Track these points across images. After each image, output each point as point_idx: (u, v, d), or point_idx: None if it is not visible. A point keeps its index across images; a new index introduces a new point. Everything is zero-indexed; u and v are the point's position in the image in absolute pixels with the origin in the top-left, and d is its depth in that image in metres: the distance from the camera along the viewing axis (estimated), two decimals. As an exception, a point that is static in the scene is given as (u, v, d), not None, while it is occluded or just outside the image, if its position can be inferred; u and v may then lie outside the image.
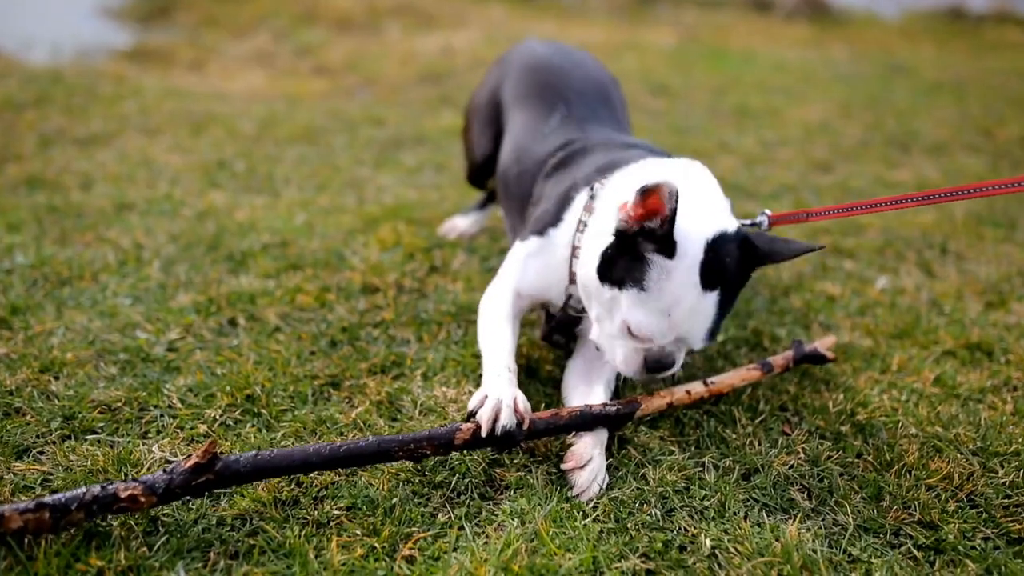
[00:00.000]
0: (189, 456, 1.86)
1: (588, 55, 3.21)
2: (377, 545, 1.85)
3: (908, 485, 2.16)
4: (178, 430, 2.22)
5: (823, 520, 2.05)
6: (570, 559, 1.83)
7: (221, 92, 6.25)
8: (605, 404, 2.23)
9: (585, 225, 2.36)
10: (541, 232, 2.49)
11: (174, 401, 2.32)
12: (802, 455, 2.26)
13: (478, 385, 2.49)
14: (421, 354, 2.64)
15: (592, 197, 2.39)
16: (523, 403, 2.14)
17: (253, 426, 2.26)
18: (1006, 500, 2.15)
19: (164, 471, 1.84)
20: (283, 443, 2.20)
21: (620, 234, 2.14)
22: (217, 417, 2.27)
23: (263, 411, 2.32)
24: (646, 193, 2.02)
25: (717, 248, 2.12)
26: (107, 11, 9.33)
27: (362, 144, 4.76)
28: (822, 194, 4.34)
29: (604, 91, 3.03)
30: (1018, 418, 2.51)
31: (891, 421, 2.44)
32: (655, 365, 2.20)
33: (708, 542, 1.92)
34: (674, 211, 2.01)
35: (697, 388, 2.40)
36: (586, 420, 2.19)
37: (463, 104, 6.02)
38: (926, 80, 7.77)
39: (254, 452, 1.92)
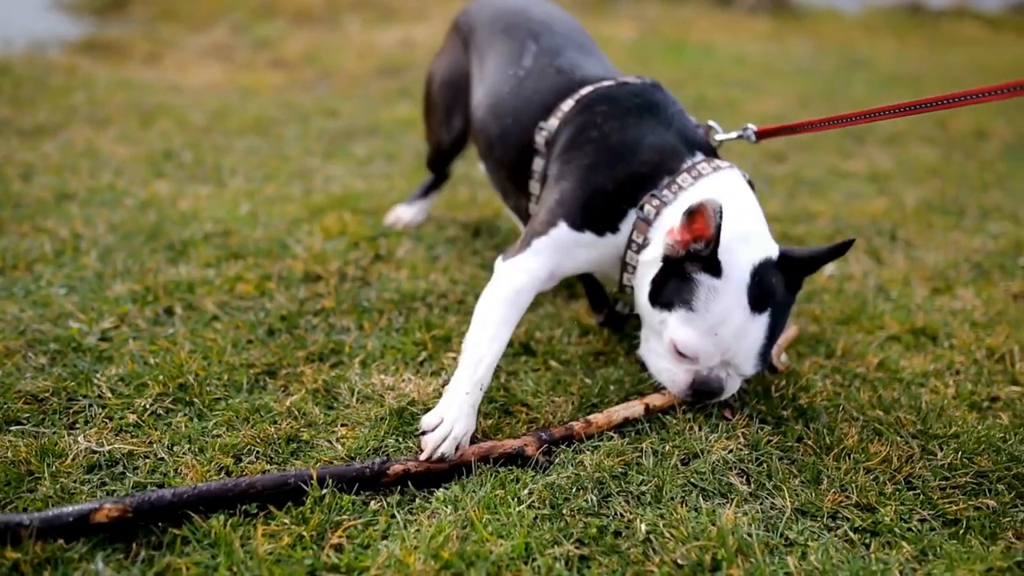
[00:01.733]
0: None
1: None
2: (305, 534, 1.81)
3: (847, 468, 2.15)
4: (107, 420, 2.17)
5: (761, 504, 2.03)
6: (502, 545, 1.80)
7: (175, 85, 6.17)
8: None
9: (639, 245, 2.37)
10: (598, 231, 2.41)
11: (104, 391, 2.26)
12: (742, 440, 2.24)
13: (417, 373, 2.47)
14: (361, 342, 2.60)
15: (644, 220, 2.36)
16: (466, 440, 2.08)
17: (185, 415, 2.21)
18: (943, 482, 2.15)
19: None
20: (215, 432, 2.15)
21: (668, 259, 2.23)
22: (148, 407, 2.22)
23: (196, 400, 2.27)
24: (692, 216, 2.11)
25: (763, 271, 2.19)
26: (62, 4, 9.19)
27: (314, 135, 4.70)
28: (775, 184, 4.35)
29: (570, 23, 2.96)
30: (959, 401, 2.51)
31: (833, 405, 2.43)
32: (703, 387, 2.26)
33: (643, 527, 1.90)
34: (719, 228, 2.08)
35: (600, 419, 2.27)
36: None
37: (421, 96, 6.01)
38: (884, 73, 7.82)
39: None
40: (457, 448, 2.05)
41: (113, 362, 2.41)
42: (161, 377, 2.32)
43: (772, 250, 2.26)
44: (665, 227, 2.29)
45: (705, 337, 2.19)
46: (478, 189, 3.87)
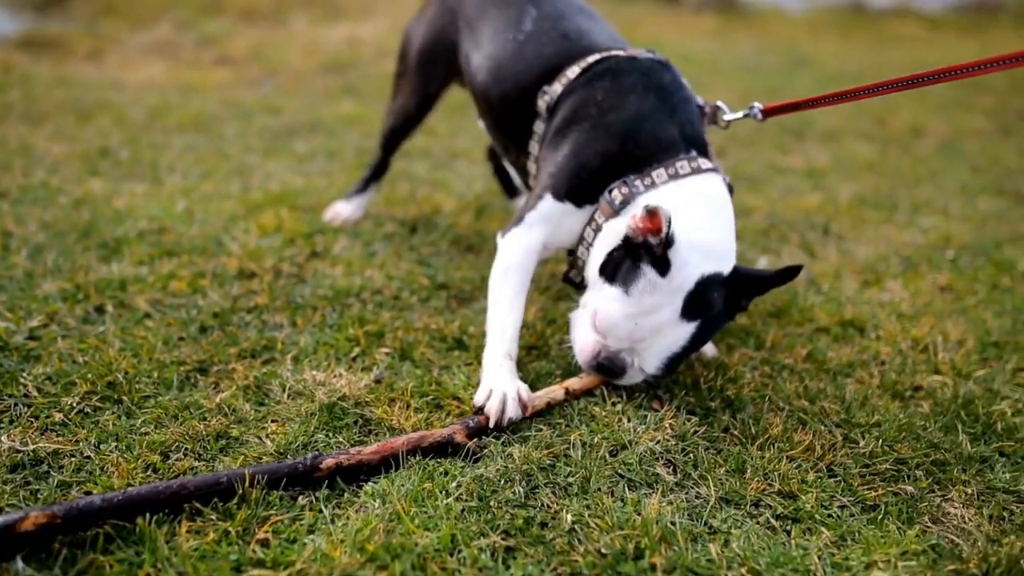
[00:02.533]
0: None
1: None
2: (231, 529, 1.80)
3: (771, 457, 2.20)
4: (32, 419, 2.14)
5: (686, 493, 2.07)
6: (428, 537, 1.81)
7: (117, 82, 6.09)
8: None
9: (598, 224, 2.47)
10: (578, 203, 2.50)
11: (30, 390, 2.24)
12: (670, 431, 2.27)
13: (349, 368, 2.47)
14: (294, 338, 2.60)
15: (608, 203, 2.45)
16: (526, 393, 2.26)
17: (113, 413, 2.20)
18: (864, 469, 2.20)
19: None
20: (143, 430, 2.14)
21: (627, 240, 2.28)
22: (75, 405, 2.20)
23: (124, 398, 2.25)
24: (650, 214, 2.17)
25: (708, 285, 2.27)
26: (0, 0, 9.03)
27: (255, 132, 4.67)
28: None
29: None
30: (882, 391, 2.57)
31: (760, 396, 2.48)
32: (604, 363, 2.34)
33: (569, 518, 1.92)
34: (668, 236, 2.18)
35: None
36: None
37: (366, 92, 6.00)
38: (827, 71, 7.94)
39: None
40: (523, 407, 2.24)
41: (41, 361, 2.38)
42: (89, 375, 2.31)
43: (726, 266, 2.32)
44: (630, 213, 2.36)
45: (623, 321, 2.27)
46: (417, 185, 3.87)
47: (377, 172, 3.51)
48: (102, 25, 8.16)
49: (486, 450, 2.16)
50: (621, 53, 2.60)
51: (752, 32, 10.17)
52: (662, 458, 2.18)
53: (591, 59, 2.60)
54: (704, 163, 2.44)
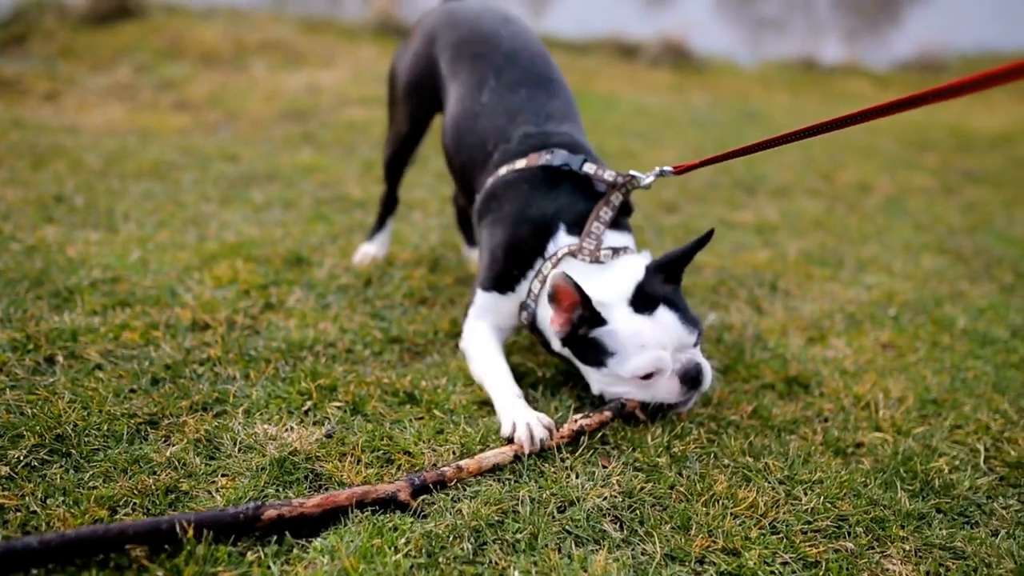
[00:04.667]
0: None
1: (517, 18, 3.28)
2: (178, 586, 1.81)
3: (715, 514, 2.24)
4: (-22, 473, 2.13)
5: (632, 550, 2.10)
6: (375, 595, 1.82)
7: (73, 125, 6.08)
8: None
9: (536, 296, 2.75)
10: (502, 291, 2.83)
11: (-24, 443, 2.22)
12: (617, 487, 2.31)
13: (301, 422, 2.48)
14: (246, 391, 2.60)
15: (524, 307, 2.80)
16: (547, 420, 2.48)
17: (61, 467, 2.19)
18: (806, 526, 2.25)
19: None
20: (91, 483, 2.14)
21: (566, 339, 2.63)
22: (22, 458, 2.19)
23: (73, 451, 2.25)
24: (555, 298, 2.54)
25: (639, 290, 2.60)
26: (-44, 39, 8.96)
27: (212, 180, 4.68)
28: (664, 234, 4.48)
29: (534, 51, 3.13)
30: (825, 448, 2.63)
31: (705, 452, 2.52)
32: (688, 374, 2.60)
33: (517, 574, 1.95)
34: (580, 291, 2.47)
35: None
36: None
37: (325, 141, 6.04)
38: (777, 126, 8.12)
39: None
40: (551, 433, 2.46)
41: (-12, 413, 2.37)
42: (38, 428, 2.30)
43: (638, 271, 2.64)
44: (544, 313, 2.69)
45: (644, 354, 2.54)
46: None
47: (388, 206, 3.72)
48: (60, 66, 8.13)
49: (435, 505, 2.18)
50: (523, 164, 2.83)
51: (706, 86, 10.39)
52: (609, 514, 2.22)
53: (500, 173, 2.85)
54: (561, 251, 2.71)
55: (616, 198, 2.76)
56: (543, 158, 2.80)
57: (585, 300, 2.50)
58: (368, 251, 3.68)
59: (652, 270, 2.64)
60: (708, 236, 2.68)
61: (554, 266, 2.67)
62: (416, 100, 3.32)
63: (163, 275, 3.28)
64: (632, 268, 2.66)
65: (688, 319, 2.62)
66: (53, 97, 7.14)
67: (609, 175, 2.77)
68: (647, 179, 2.74)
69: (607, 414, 2.60)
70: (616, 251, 2.70)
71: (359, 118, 6.83)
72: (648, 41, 11.39)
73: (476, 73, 3.03)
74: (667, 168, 2.73)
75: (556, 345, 2.69)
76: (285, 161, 5.24)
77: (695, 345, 2.64)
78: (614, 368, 2.58)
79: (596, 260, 2.67)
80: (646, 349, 2.54)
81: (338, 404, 2.58)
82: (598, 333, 2.57)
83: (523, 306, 2.77)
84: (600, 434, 2.55)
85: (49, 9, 9.58)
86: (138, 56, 8.62)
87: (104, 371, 2.64)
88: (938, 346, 3.38)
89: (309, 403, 2.57)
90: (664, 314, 2.58)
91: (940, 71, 12.10)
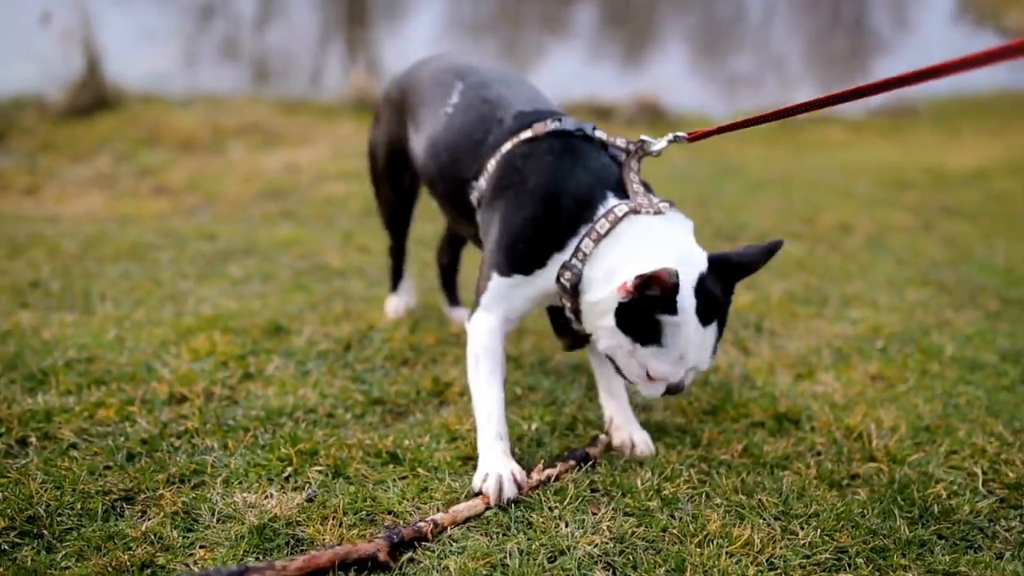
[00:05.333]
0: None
1: None
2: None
3: (710, 553, 2.18)
4: (-53, 559, 2.06)
5: (626, 596, 2.04)
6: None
7: (53, 215, 6.08)
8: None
9: (570, 288, 2.54)
10: (527, 272, 2.61)
11: (-55, 529, 2.16)
12: (608, 533, 2.25)
13: (281, 489, 2.42)
14: (224, 460, 2.54)
15: (570, 269, 2.54)
16: (520, 474, 2.41)
17: (32, 548, 2.12)
18: (804, 560, 2.19)
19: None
20: (64, 564, 2.07)
21: (626, 305, 2.39)
22: (-8, 542, 2.13)
23: (45, 531, 2.18)
24: (648, 279, 2.27)
25: (703, 288, 2.39)
26: (-64, 140, 9.01)
27: (189, 259, 4.65)
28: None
29: (490, 62, 3.16)
30: (819, 481, 2.57)
31: (697, 493, 2.47)
32: (672, 391, 2.49)
33: (507, 628, 1.88)
34: (676, 287, 2.28)
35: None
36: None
37: (304, 216, 6.04)
38: (754, 177, 8.17)
39: None
40: (518, 487, 2.39)
41: (-42, 498, 2.30)
42: (8, 510, 2.23)
43: (703, 262, 2.43)
44: (596, 272, 2.49)
45: (675, 365, 2.41)
46: (352, 303, 3.87)
47: (398, 259, 3.71)
48: (40, 160, 8.17)
49: (421, 564, 2.11)
50: (529, 134, 2.68)
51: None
52: (600, 561, 2.15)
53: (505, 148, 2.70)
54: (619, 208, 2.50)
55: (635, 163, 2.61)
56: (551, 125, 2.66)
57: (675, 290, 2.29)
58: (399, 305, 3.74)
59: (714, 264, 2.44)
60: (777, 245, 2.51)
61: (612, 224, 2.48)
62: (397, 173, 3.32)
63: (139, 352, 3.23)
64: (694, 248, 2.48)
65: (716, 347, 2.48)
66: (33, 191, 7.17)
67: (621, 141, 2.65)
68: (659, 144, 2.59)
69: (571, 463, 2.56)
70: (672, 204, 2.57)
71: (338, 192, 6.84)
72: (623, 102, 11.50)
73: (440, 88, 2.98)
74: (680, 134, 2.60)
75: (592, 302, 2.50)
76: (263, 236, 5.22)
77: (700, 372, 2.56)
78: (647, 354, 2.40)
79: (658, 212, 2.51)
80: (682, 363, 2.41)
81: (319, 468, 2.52)
82: (663, 319, 2.35)
83: (566, 266, 2.53)
84: (588, 481, 2.50)
85: (28, 106, 9.66)
86: (117, 146, 8.66)
87: (78, 450, 2.58)
88: (928, 374, 3.35)
89: (289, 469, 2.51)
90: (711, 335, 2.42)
91: (912, 115, 12.24)
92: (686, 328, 2.36)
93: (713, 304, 2.41)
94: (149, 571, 2.07)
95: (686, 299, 2.35)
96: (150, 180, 7.64)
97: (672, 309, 2.33)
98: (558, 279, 2.55)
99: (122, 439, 2.63)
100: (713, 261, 2.44)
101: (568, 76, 12.54)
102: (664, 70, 14.24)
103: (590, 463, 2.59)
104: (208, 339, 3.33)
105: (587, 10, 20.65)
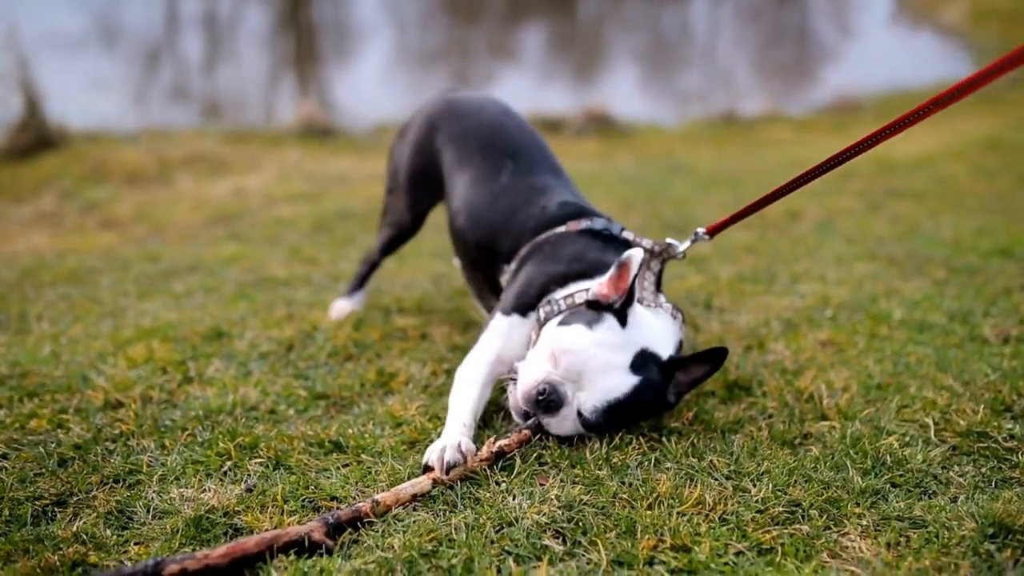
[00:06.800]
0: None
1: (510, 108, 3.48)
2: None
3: (661, 514, 2.14)
4: None
5: (576, 561, 1.98)
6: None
7: (-6, 256, 5.95)
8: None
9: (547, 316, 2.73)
10: (523, 314, 2.81)
11: None
12: (556, 502, 2.19)
13: (220, 483, 2.35)
14: (161, 459, 2.46)
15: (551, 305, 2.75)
16: (467, 445, 2.35)
17: (-44, 557, 2.03)
18: (758, 515, 2.15)
19: None
20: (-10, 570, 1.98)
21: (591, 303, 2.60)
22: (-86, 554, 2.03)
23: (-30, 540, 2.09)
24: (619, 269, 2.56)
25: (651, 355, 2.53)
26: None
27: (132, 279, 4.54)
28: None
29: (539, 141, 3.33)
30: (771, 441, 2.54)
31: (646, 459, 2.42)
32: (547, 388, 2.44)
33: (453, 598, 1.82)
34: (631, 286, 2.50)
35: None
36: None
37: (251, 236, 5.95)
38: (703, 175, 8.21)
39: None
40: (464, 459, 2.31)
41: None
42: (-67, 523, 2.14)
43: (665, 351, 2.59)
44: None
45: (584, 346, 2.46)
46: (295, 308, 3.80)
47: (371, 268, 3.79)
48: (-19, 204, 8.02)
49: (364, 543, 2.04)
50: (561, 229, 2.94)
51: (632, 148, 10.50)
52: (549, 529, 2.10)
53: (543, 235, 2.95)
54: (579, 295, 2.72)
55: (655, 265, 2.85)
56: (583, 224, 2.91)
57: (630, 293, 2.53)
58: (344, 307, 3.70)
59: (672, 363, 2.58)
60: (722, 357, 2.60)
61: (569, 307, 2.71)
62: (418, 190, 3.43)
63: (75, 364, 3.14)
64: (669, 335, 2.67)
65: (614, 413, 2.47)
66: (-27, 235, 7.01)
67: (647, 242, 2.84)
68: (683, 246, 2.84)
69: (526, 433, 2.50)
70: (678, 310, 2.80)
71: (286, 214, 6.75)
72: (572, 113, 11.54)
73: (490, 160, 3.16)
74: (700, 230, 2.82)
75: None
76: (208, 254, 5.14)
77: (586, 416, 2.48)
78: (568, 330, 2.54)
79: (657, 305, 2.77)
80: (591, 352, 2.46)
81: (260, 460, 2.44)
82: (605, 316, 2.54)
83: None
84: (536, 454, 2.44)
85: (-34, 150, 9.50)
86: (62, 183, 8.52)
87: (8, 459, 2.48)
88: (877, 337, 3.33)
89: (229, 463, 2.44)
90: (627, 382, 2.47)
91: (856, 110, 12.39)
92: (618, 339, 2.52)
93: (648, 370, 2.52)
94: (79, 570, 1.98)
95: (635, 332, 2.55)
96: (97, 214, 7.51)
97: (622, 319, 2.55)
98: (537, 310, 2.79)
99: (54, 446, 2.54)
100: (671, 359, 2.58)
101: (519, 92, 12.56)
102: (615, 87, 14.32)
103: (538, 436, 2.54)
104: (146, 347, 3.24)
105: (535, 35, 20.76)
